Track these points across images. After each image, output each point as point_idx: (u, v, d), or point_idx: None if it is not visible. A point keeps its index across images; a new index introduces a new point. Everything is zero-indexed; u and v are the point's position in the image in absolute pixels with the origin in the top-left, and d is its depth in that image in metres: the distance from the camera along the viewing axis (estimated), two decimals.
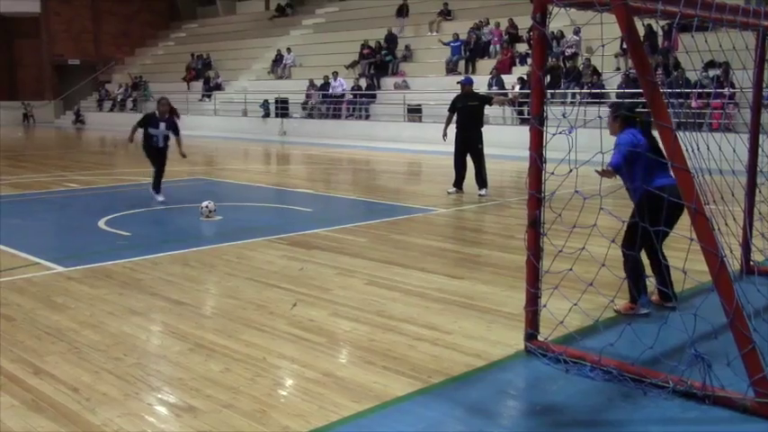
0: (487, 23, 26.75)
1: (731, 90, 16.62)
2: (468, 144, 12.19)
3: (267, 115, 29.95)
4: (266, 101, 29.99)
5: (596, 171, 5.22)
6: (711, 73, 17.75)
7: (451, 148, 12.43)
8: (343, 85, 28.00)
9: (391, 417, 4.06)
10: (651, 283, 5.79)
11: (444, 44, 26.77)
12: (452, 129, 12.34)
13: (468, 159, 12.33)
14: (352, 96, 27.81)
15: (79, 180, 14.98)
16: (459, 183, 12.43)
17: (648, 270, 5.81)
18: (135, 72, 39.63)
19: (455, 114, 12.32)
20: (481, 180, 12.25)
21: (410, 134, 23.82)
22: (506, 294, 6.36)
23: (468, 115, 12.16)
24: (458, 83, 12.82)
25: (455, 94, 12.72)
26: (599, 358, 4.60)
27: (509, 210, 11.06)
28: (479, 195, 12.10)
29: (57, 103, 41.82)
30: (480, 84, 22.66)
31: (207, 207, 10.10)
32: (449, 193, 12.38)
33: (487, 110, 21.77)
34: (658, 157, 5.23)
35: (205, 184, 14.54)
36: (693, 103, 17.39)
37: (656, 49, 20.51)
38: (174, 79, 37.01)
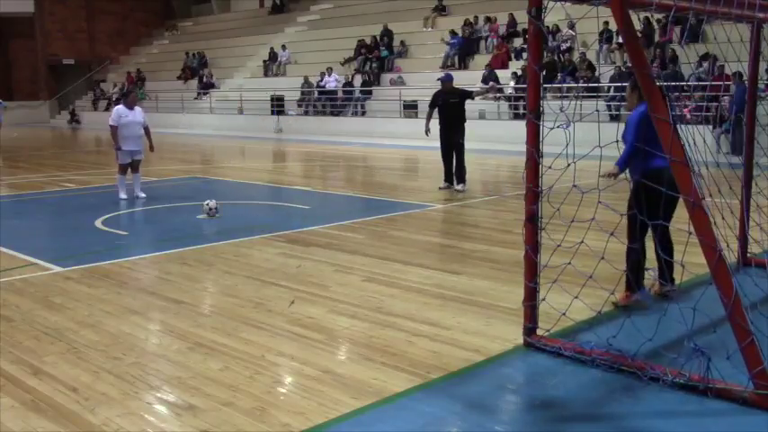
0: (488, 20, 26.69)
1: (725, 83, 16.61)
2: (451, 139, 12.17)
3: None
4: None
5: (602, 176, 5.22)
6: (705, 65, 17.77)
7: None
8: (336, 80, 28.00)
9: (390, 413, 4.07)
10: (652, 276, 5.80)
11: (448, 43, 26.64)
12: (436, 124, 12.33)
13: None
14: (343, 93, 27.79)
15: (75, 180, 14.95)
16: (449, 178, 12.44)
17: (651, 263, 5.81)
18: (131, 70, 39.53)
19: (436, 110, 12.29)
20: (460, 175, 12.24)
21: (406, 130, 23.78)
22: (505, 289, 6.36)
23: (448, 112, 12.12)
24: (437, 79, 12.74)
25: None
26: (599, 352, 4.60)
27: (506, 205, 11.06)
28: (456, 191, 12.11)
29: (52, 103, 41.72)
30: (476, 79, 22.70)
31: (208, 205, 10.06)
32: (440, 188, 12.39)
33: (483, 105, 22.07)
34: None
35: (202, 183, 14.53)
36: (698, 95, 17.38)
37: (652, 41, 20.52)
38: (169, 78, 36.96)
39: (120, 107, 11.72)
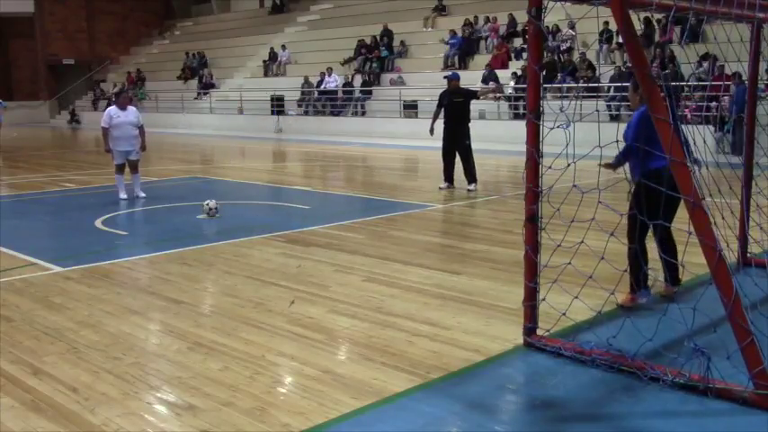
0: (487, 21, 26.70)
1: (726, 83, 16.61)
2: (455, 140, 12.16)
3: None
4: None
5: (600, 165, 5.22)
6: (705, 65, 17.77)
7: None
8: (336, 81, 28.02)
9: (390, 413, 4.06)
10: (651, 276, 5.80)
11: (446, 43, 26.63)
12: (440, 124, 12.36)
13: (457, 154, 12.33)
14: (343, 93, 27.78)
15: (75, 180, 14.95)
16: (449, 178, 12.44)
17: (653, 264, 5.80)
18: (131, 70, 39.52)
19: (442, 110, 12.31)
20: (470, 175, 12.24)
21: (406, 130, 23.80)
22: (505, 289, 6.35)
23: (453, 111, 12.13)
24: (444, 77, 12.76)
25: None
26: (599, 351, 4.60)
27: (506, 205, 11.05)
28: (468, 191, 12.11)
29: (52, 103, 41.72)
30: (476, 79, 22.69)
31: (208, 205, 10.05)
32: (440, 188, 12.39)
33: (483, 105, 22.05)
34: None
35: (202, 183, 14.53)
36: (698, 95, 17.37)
37: (652, 41, 20.51)
38: (169, 78, 36.95)
39: (112, 108, 11.68)
